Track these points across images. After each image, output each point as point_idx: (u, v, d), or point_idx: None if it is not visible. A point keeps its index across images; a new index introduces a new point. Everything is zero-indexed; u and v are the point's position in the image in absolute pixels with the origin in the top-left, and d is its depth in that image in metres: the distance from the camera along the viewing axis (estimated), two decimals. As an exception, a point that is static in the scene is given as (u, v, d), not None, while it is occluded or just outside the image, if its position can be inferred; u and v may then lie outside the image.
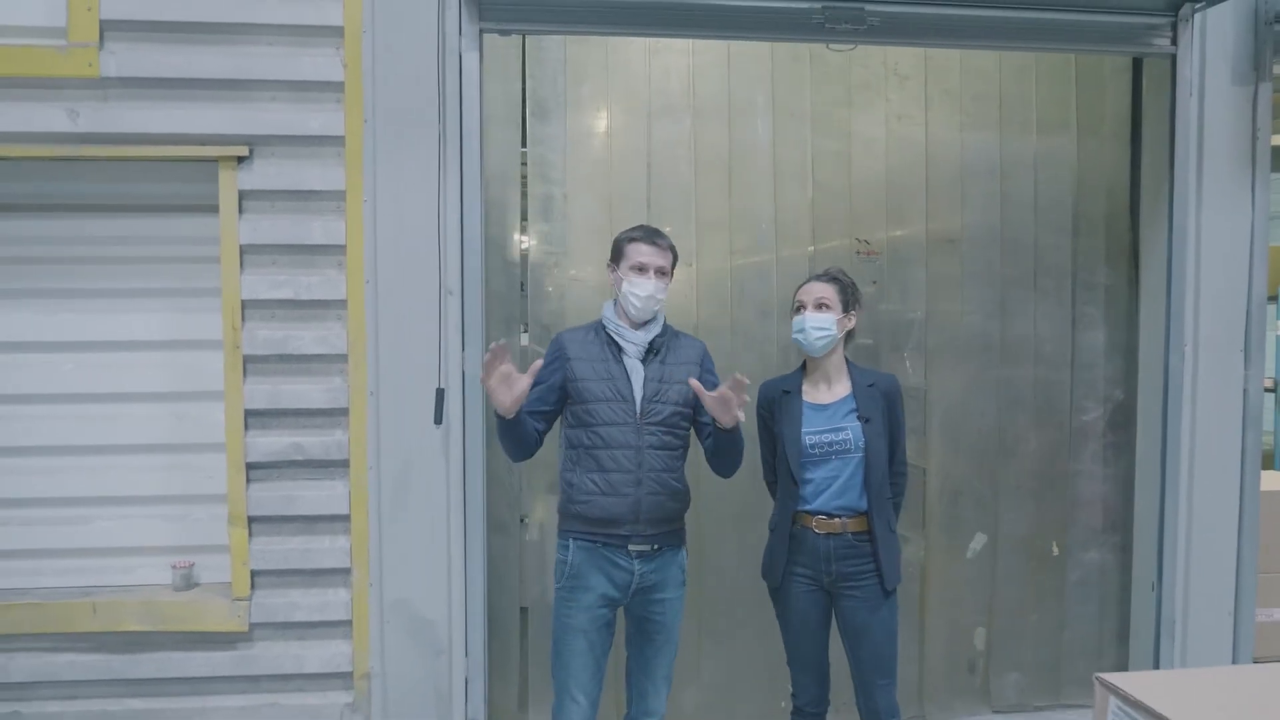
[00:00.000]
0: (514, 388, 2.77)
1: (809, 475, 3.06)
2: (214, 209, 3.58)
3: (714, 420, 2.91)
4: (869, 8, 3.73)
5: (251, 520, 3.63)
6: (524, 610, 4.08)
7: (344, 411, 3.63)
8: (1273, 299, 7.43)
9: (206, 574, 3.79)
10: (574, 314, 3.93)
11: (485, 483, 3.73)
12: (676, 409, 3.01)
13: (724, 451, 3.01)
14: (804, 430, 3.06)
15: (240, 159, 3.56)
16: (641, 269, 2.97)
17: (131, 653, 3.65)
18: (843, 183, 4.13)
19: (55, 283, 3.68)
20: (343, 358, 3.62)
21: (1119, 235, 4.32)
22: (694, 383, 2.86)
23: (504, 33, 3.69)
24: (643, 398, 2.97)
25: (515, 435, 2.88)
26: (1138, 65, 4.24)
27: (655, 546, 3.00)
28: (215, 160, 3.55)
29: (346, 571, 3.67)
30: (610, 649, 3.05)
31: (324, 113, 3.59)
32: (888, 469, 3.09)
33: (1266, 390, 8.30)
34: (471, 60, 3.58)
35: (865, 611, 3.06)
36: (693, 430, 3.11)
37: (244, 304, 3.59)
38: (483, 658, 3.75)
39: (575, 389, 2.97)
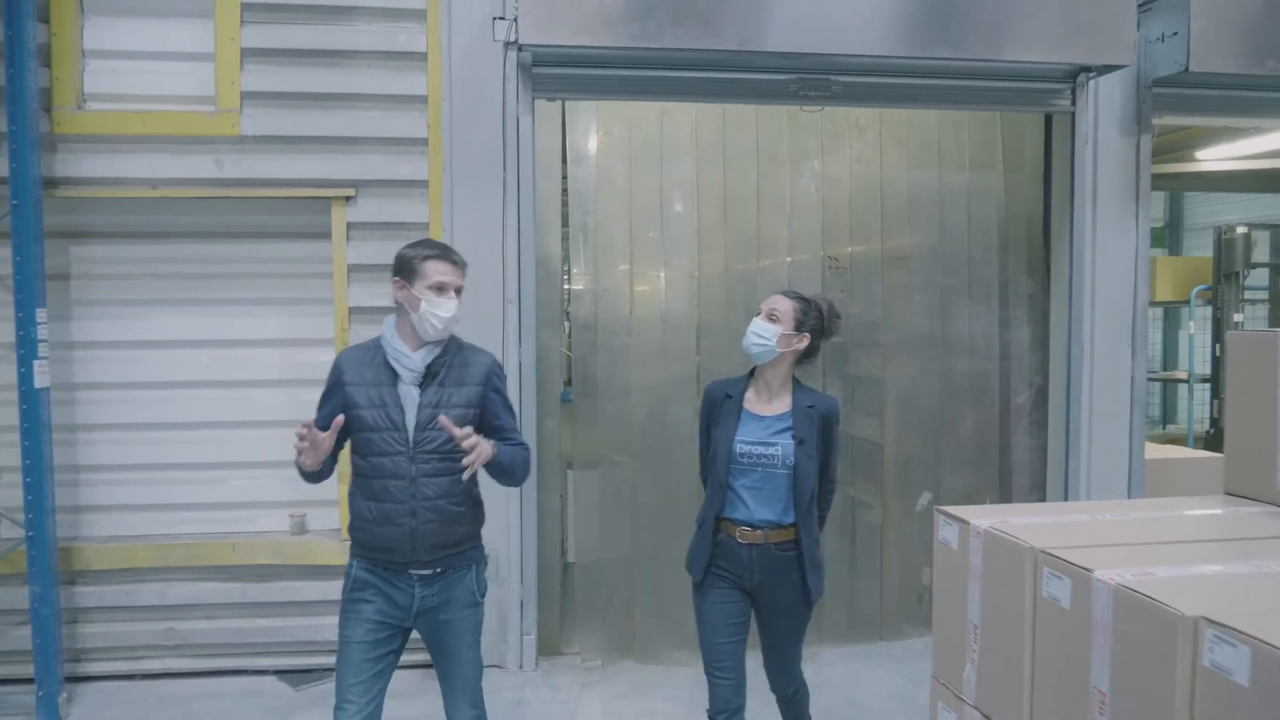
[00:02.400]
0: (319, 449, 2.83)
1: (735, 482, 3.18)
2: (327, 236, 4.74)
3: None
4: (833, 79, 4.92)
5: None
6: (568, 564, 5.24)
7: (428, 393, 4.78)
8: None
9: (315, 523, 4.92)
10: (604, 316, 5.09)
11: (537, 445, 4.88)
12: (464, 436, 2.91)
13: (498, 476, 3.07)
14: (737, 437, 3.17)
15: (348, 198, 4.72)
16: (441, 288, 2.92)
17: (261, 582, 4.79)
18: (815, 212, 5.32)
19: (203, 293, 4.82)
20: (427, 351, 4.77)
21: (1036, 252, 5.52)
22: (443, 419, 2.85)
23: (550, 99, 4.87)
24: (415, 426, 2.91)
25: (315, 478, 2.99)
26: (1048, 118, 5.44)
27: (438, 570, 2.98)
28: (329, 199, 4.72)
29: (429, 518, 4.81)
30: (394, 665, 3.06)
31: (412, 162, 4.75)
32: (817, 487, 3.22)
33: (1180, 381, 9.59)
34: (526, 121, 4.76)
35: (783, 616, 3.26)
36: None
37: (350, 310, 4.75)
38: (534, 587, 4.90)
39: (351, 415, 2.92)
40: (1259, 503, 2.35)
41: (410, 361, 2.93)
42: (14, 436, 4.41)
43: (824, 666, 4.95)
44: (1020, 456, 5.55)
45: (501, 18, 4.67)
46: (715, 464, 3.22)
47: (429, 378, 2.95)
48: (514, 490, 4.79)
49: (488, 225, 4.75)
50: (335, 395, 2.97)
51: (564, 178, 5.15)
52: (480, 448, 2.82)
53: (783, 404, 3.20)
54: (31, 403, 4.27)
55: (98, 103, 4.67)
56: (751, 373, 3.29)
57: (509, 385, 4.60)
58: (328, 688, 4.58)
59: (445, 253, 2.99)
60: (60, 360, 4.68)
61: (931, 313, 5.44)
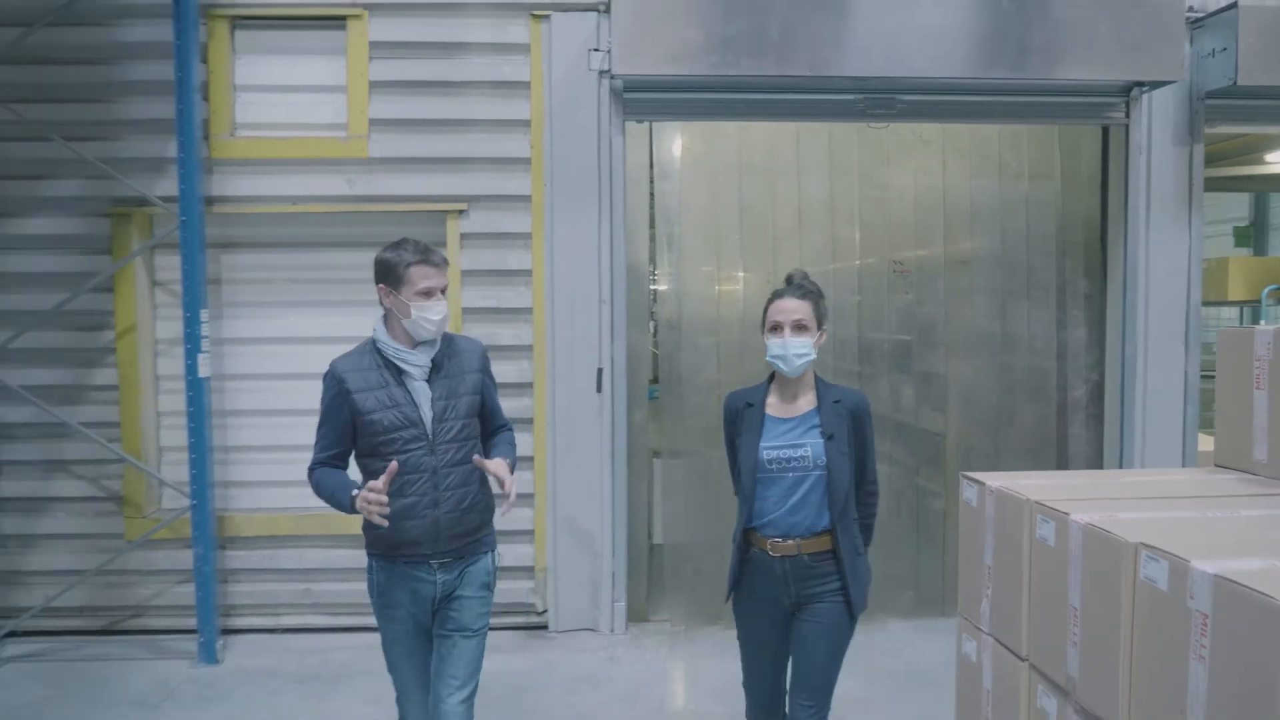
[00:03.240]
0: (384, 504, 2.87)
1: (764, 491, 3.04)
2: (442, 245, 5.40)
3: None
4: (898, 98, 5.41)
5: (467, 459, 5.42)
6: (654, 545, 5.82)
7: (530, 385, 5.42)
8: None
9: (430, 499, 5.59)
10: (688, 317, 5.66)
11: (627, 436, 5.47)
12: (465, 421, 3.08)
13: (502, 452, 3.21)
14: (762, 444, 3.05)
15: (461, 211, 5.37)
16: (429, 293, 2.98)
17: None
18: (882, 220, 5.80)
19: (332, 296, 5.53)
20: (529, 348, 5.41)
21: (1094, 256, 5.91)
22: (478, 460, 3.02)
23: (639, 121, 5.47)
24: (432, 419, 3.00)
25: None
26: (1105, 129, 5.82)
27: (459, 557, 3.09)
28: (444, 213, 5.38)
29: (531, 496, 5.44)
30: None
31: (517, 179, 5.39)
32: (853, 489, 3.08)
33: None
34: (618, 142, 5.35)
35: (820, 630, 3.04)
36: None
37: (463, 311, 5.40)
38: (624, 561, 5.49)
39: (362, 423, 2.97)
40: (1238, 471, 2.79)
41: (417, 359, 3.01)
42: (181, 420, 5.18)
43: (890, 637, 5.45)
44: (1077, 449, 5.95)
45: (596, 49, 5.28)
46: (741, 475, 3.10)
47: (434, 371, 3.05)
48: (607, 475, 5.40)
49: (584, 234, 5.36)
50: (341, 406, 3.00)
51: (651, 191, 5.73)
52: (514, 481, 3.04)
53: (807, 402, 3.10)
54: (196, 390, 5.01)
55: (247, 130, 5.42)
56: (771, 377, 3.19)
57: (605, 380, 5.23)
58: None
59: (427, 256, 3.03)
60: (212, 354, 5.43)
61: (992, 313, 5.87)
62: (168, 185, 5.23)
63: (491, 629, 5.33)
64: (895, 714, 4.46)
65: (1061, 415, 5.94)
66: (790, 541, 3.01)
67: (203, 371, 5.02)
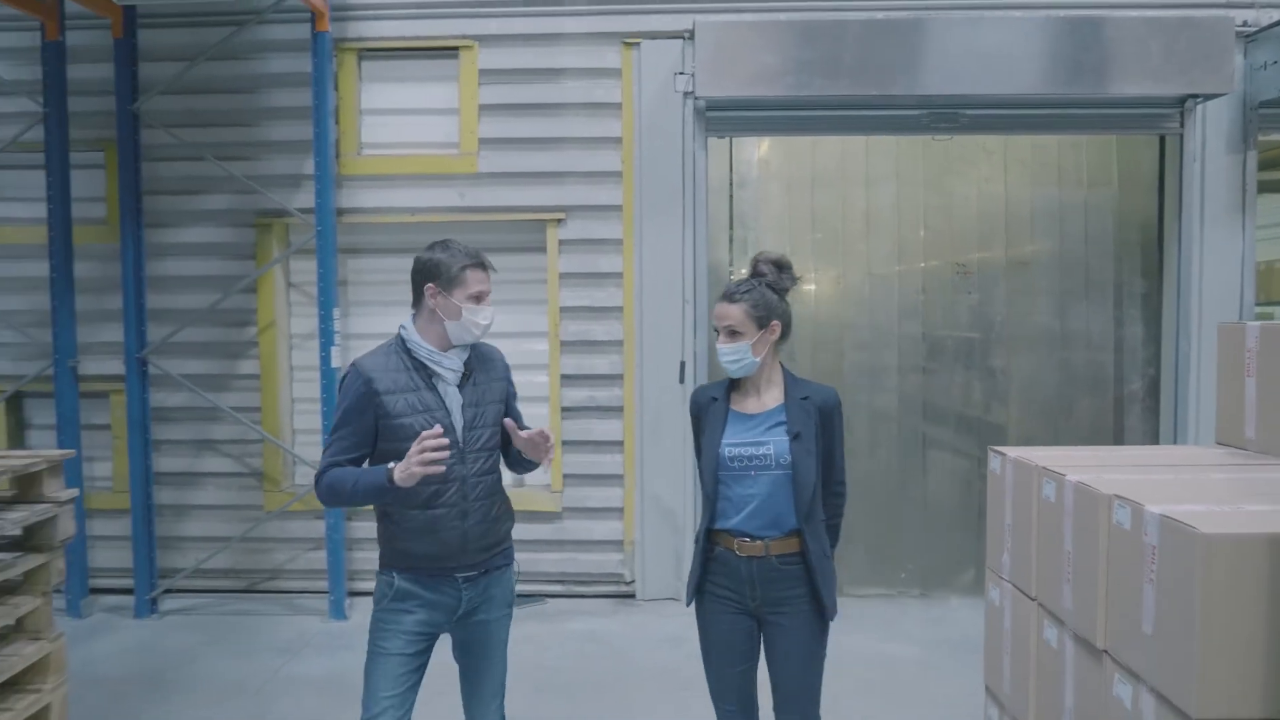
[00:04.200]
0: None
1: (726, 491, 2.95)
2: (542, 250, 6.08)
3: (521, 451, 2.98)
4: (961, 112, 5.88)
5: (563, 443, 6.08)
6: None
7: (620, 376, 6.05)
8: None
9: (530, 478, 6.24)
10: (763, 315, 6.21)
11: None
12: (493, 429, 3.00)
13: (526, 467, 3.11)
14: (724, 440, 2.96)
15: (559, 220, 6.03)
16: (480, 297, 2.92)
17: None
18: (946, 225, 6.28)
19: (446, 296, 6.22)
20: (620, 343, 6.05)
21: (1151, 258, 6.30)
22: (509, 423, 2.95)
23: (720, 137, 6.06)
24: (464, 426, 2.92)
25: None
26: (1162, 138, 6.20)
27: (484, 570, 2.98)
28: (544, 221, 6.05)
29: (620, 476, 6.08)
30: (422, 677, 3.01)
31: (609, 190, 6.02)
32: (820, 488, 2.98)
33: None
34: (700, 155, 5.95)
35: (792, 638, 2.96)
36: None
37: (561, 309, 6.05)
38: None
39: (389, 426, 2.85)
40: (1232, 447, 3.26)
41: (451, 363, 2.92)
42: (312, 405, 5.95)
43: (950, 611, 5.93)
44: (1133, 440, 6.34)
45: (681, 73, 5.88)
46: (703, 473, 3.01)
47: (464, 376, 2.96)
48: (690, 457, 5.99)
49: (669, 240, 5.96)
50: (366, 408, 2.86)
51: (730, 199, 6.31)
52: (548, 436, 2.93)
53: (773, 398, 3.01)
54: (329, 379, 5.75)
55: (371, 149, 6.16)
56: None
57: (687, 372, 5.81)
58: (541, 608, 5.93)
59: (480, 260, 2.97)
60: (341, 347, 6.18)
61: (1051, 311, 6.30)
62: (303, 199, 6.01)
63: (585, 596, 6.06)
64: (953, 674, 4.94)
65: (1118, 408, 6.33)
66: (758, 542, 2.91)
67: (334, 362, 5.76)
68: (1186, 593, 2.20)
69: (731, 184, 6.31)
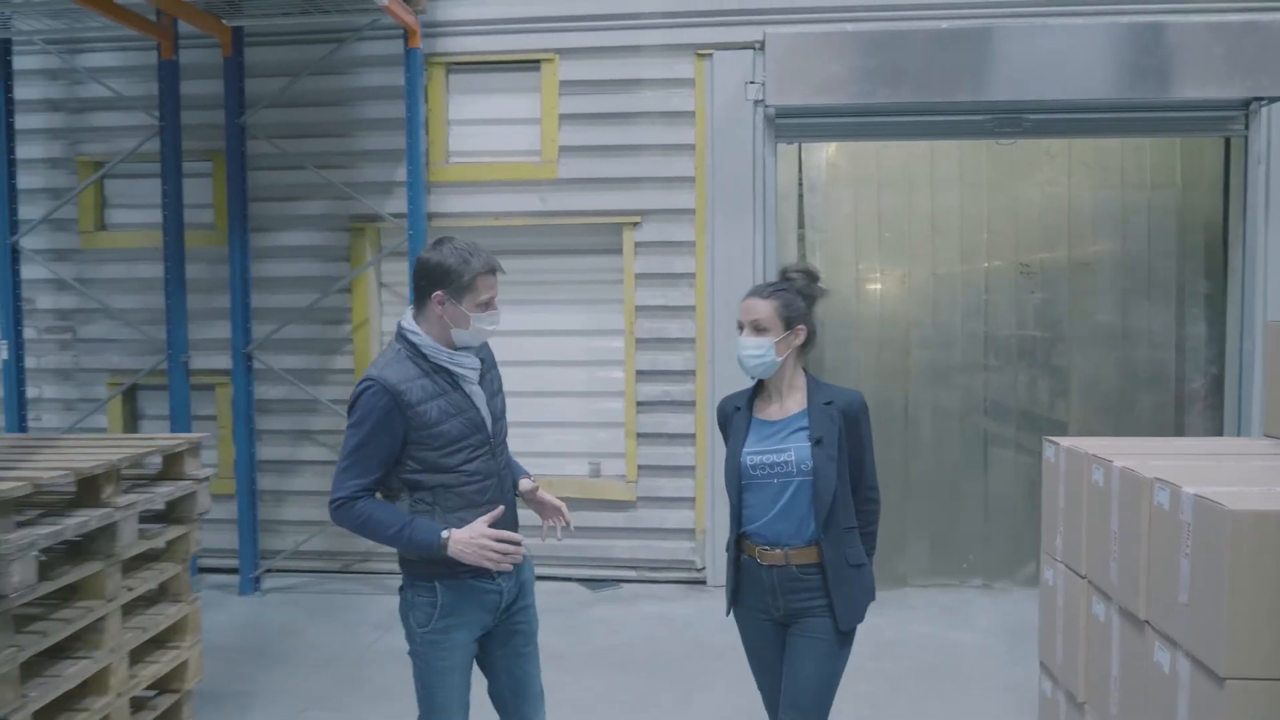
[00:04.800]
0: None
1: (749, 499, 2.94)
2: (619, 252, 6.42)
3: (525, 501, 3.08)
4: (1024, 117, 6.08)
5: (638, 435, 6.41)
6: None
7: (693, 372, 6.37)
8: None
9: (606, 469, 6.60)
10: (831, 312, 6.48)
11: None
12: (504, 420, 3.03)
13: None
14: (745, 449, 2.94)
15: (635, 223, 6.36)
16: (489, 304, 2.87)
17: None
18: (1009, 227, 6.49)
19: (527, 295, 6.60)
20: (692, 340, 6.36)
21: (1215, 258, 6.43)
22: (525, 483, 3.06)
23: (789, 143, 6.34)
24: (491, 420, 2.92)
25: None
26: (1226, 140, 6.33)
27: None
28: (621, 224, 6.39)
29: (692, 468, 6.39)
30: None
31: (683, 195, 6.34)
32: (847, 495, 2.92)
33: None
34: (770, 161, 6.23)
35: (807, 649, 2.91)
36: None
37: (636, 308, 6.39)
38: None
39: (425, 436, 2.78)
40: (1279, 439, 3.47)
41: (471, 362, 2.89)
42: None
43: (1014, 601, 6.14)
44: (1195, 435, 6.47)
45: (752, 82, 6.18)
46: (727, 481, 3.01)
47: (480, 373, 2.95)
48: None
49: (740, 242, 6.26)
50: (394, 424, 2.76)
51: (799, 202, 6.58)
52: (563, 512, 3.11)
53: (795, 404, 2.98)
54: (419, 373, 6.15)
55: (458, 158, 6.56)
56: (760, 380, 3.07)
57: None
58: (616, 592, 6.27)
59: (492, 265, 2.88)
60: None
61: (1113, 310, 6.47)
62: (393, 204, 6.43)
63: (657, 581, 6.38)
64: (1011, 659, 5.15)
65: (1180, 405, 6.47)
66: (778, 551, 2.89)
67: (425, 358, 6.16)
68: (1217, 565, 2.45)
69: (800, 188, 6.58)
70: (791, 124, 6.24)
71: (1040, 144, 6.46)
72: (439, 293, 2.80)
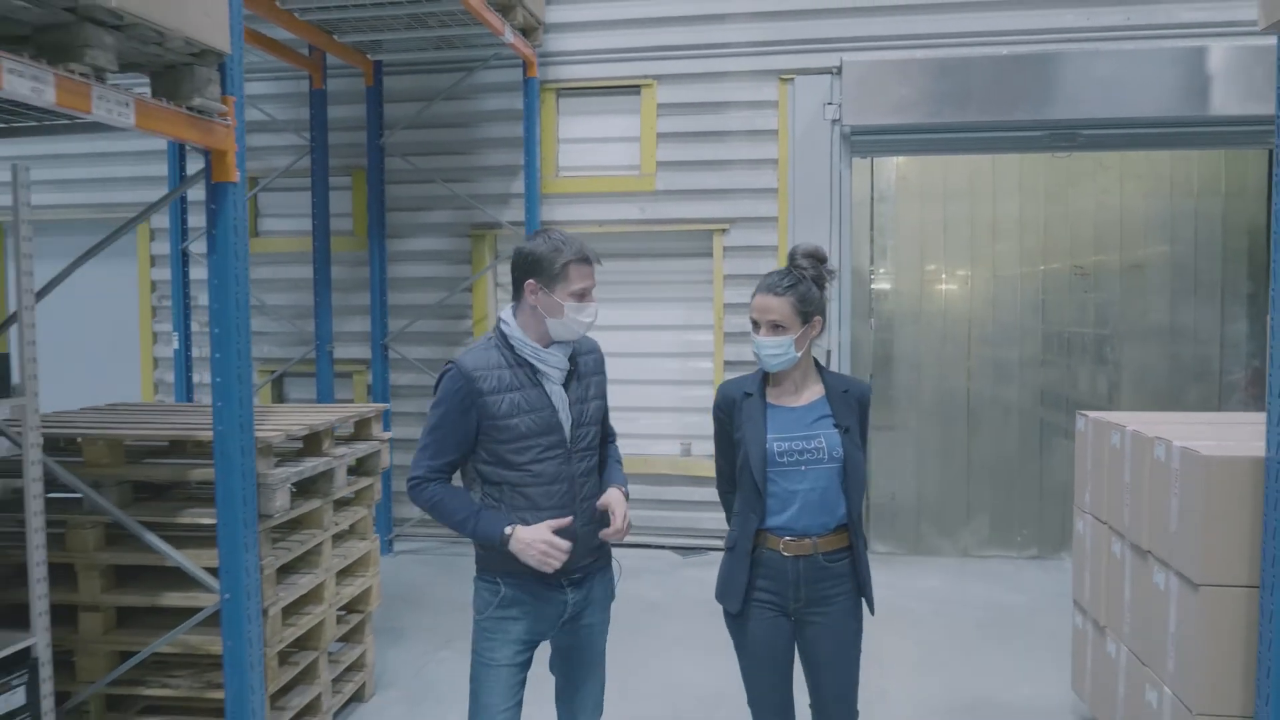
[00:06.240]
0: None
1: (774, 488, 2.87)
2: (709, 255, 7.28)
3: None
4: (1080, 131, 6.79)
5: (725, 419, 7.24)
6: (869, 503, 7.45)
7: (775, 362, 7.16)
8: None
9: (695, 449, 7.44)
10: (900, 310, 7.26)
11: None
12: (596, 427, 2.94)
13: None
14: (770, 436, 2.88)
15: (724, 230, 7.20)
16: (584, 294, 2.84)
17: (661, 486, 7.38)
18: (1065, 233, 7.19)
19: (627, 294, 7.50)
20: (775, 334, 7.15)
21: (1257, 262, 7.06)
22: (607, 495, 2.88)
23: (863, 157, 7.14)
24: (571, 425, 2.85)
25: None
26: (1270, 151, 6.95)
27: (588, 572, 2.93)
28: (711, 231, 7.24)
29: (774, 448, 7.18)
30: (525, 684, 2.95)
31: (767, 204, 7.17)
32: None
33: None
34: (845, 174, 7.03)
35: (830, 638, 2.93)
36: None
37: (725, 305, 7.23)
38: (846, 500, 7.15)
39: (494, 427, 2.77)
40: None
41: (557, 360, 2.84)
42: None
43: (1063, 570, 6.82)
44: (1241, 424, 7.10)
45: (830, 103, 6.98)
46: (747, 471, 2.89)
47: (569, 373, 2.89)
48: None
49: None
50: (469, 410, 2.77)
51: (871, 212, 7.36)
52: (626, 513, 2.88)
53: (813, 392, 2.96)
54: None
55: (566, 172, 7.47)
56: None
57: (833, 360, 6.85)
58: (705, 558, 7.10)
59: (585, 254, 2.86)
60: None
61: (1162, 309, 7.13)
62: (509, 213, 7.37)
63: (708, 549, 7.18)
64: (1057, 616, 5.86)
65: (1223, 395, 7.10)
66: (807, 540, 2.87)
67: (539, 348, 7.06)
68: (1197, 499, 3.22)
69: (872, 198, 7.36)
70: (865, 140, 7.03)
71: (1094, 155, 7.15)
72: (531, 281, 2.81)
